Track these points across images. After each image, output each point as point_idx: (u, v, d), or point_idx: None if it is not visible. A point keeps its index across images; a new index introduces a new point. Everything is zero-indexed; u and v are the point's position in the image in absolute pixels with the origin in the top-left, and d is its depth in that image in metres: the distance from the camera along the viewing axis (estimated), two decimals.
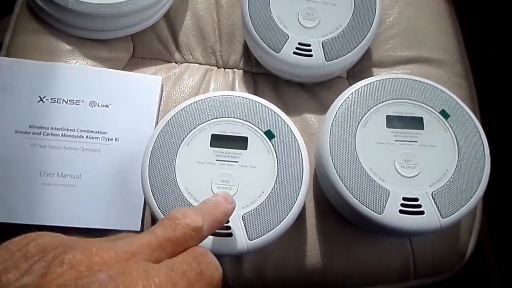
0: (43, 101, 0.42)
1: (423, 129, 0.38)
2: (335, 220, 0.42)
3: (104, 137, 0.41)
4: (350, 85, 0.49)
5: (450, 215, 0.35)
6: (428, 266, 0.44)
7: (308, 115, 0.46)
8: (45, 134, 0.41)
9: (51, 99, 0.42)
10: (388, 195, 0.35)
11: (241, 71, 0.49)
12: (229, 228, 0.35)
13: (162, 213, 0.35)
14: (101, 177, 0.40)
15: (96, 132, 0.41)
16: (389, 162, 0.37)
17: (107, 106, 0.42)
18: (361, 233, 0.41)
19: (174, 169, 0.36)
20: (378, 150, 0.37)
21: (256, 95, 0.47)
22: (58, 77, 0.43)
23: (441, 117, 0.38)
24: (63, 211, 0.39)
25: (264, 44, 0.43)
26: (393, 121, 0.38)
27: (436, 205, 0.35)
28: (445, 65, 0.49)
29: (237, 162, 0.37)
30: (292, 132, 0.38)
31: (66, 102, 0.42)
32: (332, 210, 0.41)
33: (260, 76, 0.49)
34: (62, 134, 0.41)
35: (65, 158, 0.40)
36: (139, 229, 0.40)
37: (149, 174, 0.36)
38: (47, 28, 0.46)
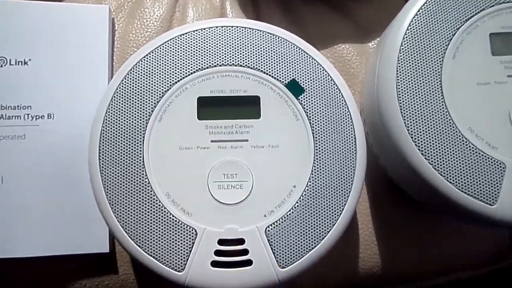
0: None
1: None
2: (399, 204, 0.28)
3: (28, 115, 0.26)
4: None
5: None
6: None
7: (343, 46, 0.30)
8: None
9: None
10: (504, 170, 0.21)
11: None
12: (246, 252, 0.21)
13: (131, 238, 0.21)
14: (34, 177, 0.26)
15: (15, 108, 0.26)
16: (501, 115, 0.22)
17: (26, 63, 0.26)
18: (439, 220, 0.28)
19: (143, 163, 0.21)
20: (481, 96, 0.22)
21: (261, 21, 0.31)
22: None
23: None
24: None
25: None
26: (503, 43, 0.23)
27: None
28: None
29: (246, 141, 0.22)
30: (331, 79, 0.23)
31: None
32: (394, 190, 0.27)
33: None
34: None
35: None
36: (107, 250, 0.26)
37: (101, 172, 0.21)
38: None
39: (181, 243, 0.21)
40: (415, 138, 0.22)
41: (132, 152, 0.21)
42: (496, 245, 0.29)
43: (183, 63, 0.23)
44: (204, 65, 0.22)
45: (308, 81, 0.22)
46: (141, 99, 0.22)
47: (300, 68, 0.23)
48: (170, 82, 0.22)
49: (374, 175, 0.28)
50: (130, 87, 0.22)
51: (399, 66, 0.22)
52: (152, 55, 0.23)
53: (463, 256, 0.29)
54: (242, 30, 0.23)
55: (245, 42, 0.23)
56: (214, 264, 0.21)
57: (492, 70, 0.22)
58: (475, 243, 0.29)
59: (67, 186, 0.26)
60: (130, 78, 0.22)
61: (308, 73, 0.23)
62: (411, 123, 0.22)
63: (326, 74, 0.23)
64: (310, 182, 0.22)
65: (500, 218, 0.21)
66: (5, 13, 0.27)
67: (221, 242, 0.21)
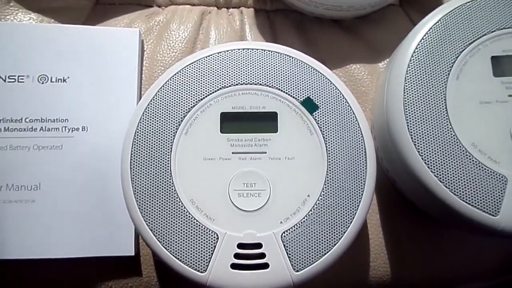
0: None
1: None
2: (408, 215, 0.29)
3: (65, 127, 0.28)
4: (407, 15, 0.35)
5: None
6: None
7: (354, 66, 0.32)
8: None
9: None
10: (506, 183, 0.23)
11: (251, 9, 0.34)
12: (263, 255, 0.23)
13: (158, 240, 0.23)
14: (68, 184, 0.28)
15: (54, 121, 0.28)
16: (503, 131, 0.23)
17: (65, 81, 0.29)
18: (447, 230, 0.29)
19: (170, 172, 0.24)
20: (484, 113, 0.24)
21: (277, 43, 0.33)
22: None
23: None
24: (22, 237, 0.27)
25: None
26: (503, 65, 0.24)
27: None
28: None
29: (264, 153, 0.24)
30: (343, 97, 0.25)
31: (4, 80, 0.29)
32: (403, 202, 0.29)
33: (279, 15, 0.34)
34: (4, 128, 0.28)
35: (13, 163, 0.28)
36: (133, 253, 0.28)
37: (132, 179, 0.24)
38: None
39: (204, 246, 0.23)
40: (421, 153, 0.23)
41: (160, 162, 0.24)
42: (504, 255, 0.30)
43: (208, 81, 0.25)
44: (227, 84, 0.25)
45: (322, 99, 0.24)
46: (169, 114, 0.24)
47: (314, 87, 0.25)
48: (196, 99, 0.25)
49: (384, 188, 0.30)
50: (160, 103, 0.24)
51: (407, 86, 0.24)
52: (179, 75, 0.25)
53: (471, 266, 0.30)
54: (261, 52, 0.25)
55: (264, 63, 0.25)
56: (234, 266, 0.23)
57: (494, 90, 0.24)
58: (483, 254, 0.30)
59: (98, 192, 0.28)
60: (160, 95, 0.25)
61: (322, 91, 0.25)
62: (417, 139, 0.23)
63: (338, 93, 0.25)
64: (323, 192, 0.23)
65: (502, 228, 0.22)
66: (47, 36, 0.30)
67: (240, 246, 0.23)
